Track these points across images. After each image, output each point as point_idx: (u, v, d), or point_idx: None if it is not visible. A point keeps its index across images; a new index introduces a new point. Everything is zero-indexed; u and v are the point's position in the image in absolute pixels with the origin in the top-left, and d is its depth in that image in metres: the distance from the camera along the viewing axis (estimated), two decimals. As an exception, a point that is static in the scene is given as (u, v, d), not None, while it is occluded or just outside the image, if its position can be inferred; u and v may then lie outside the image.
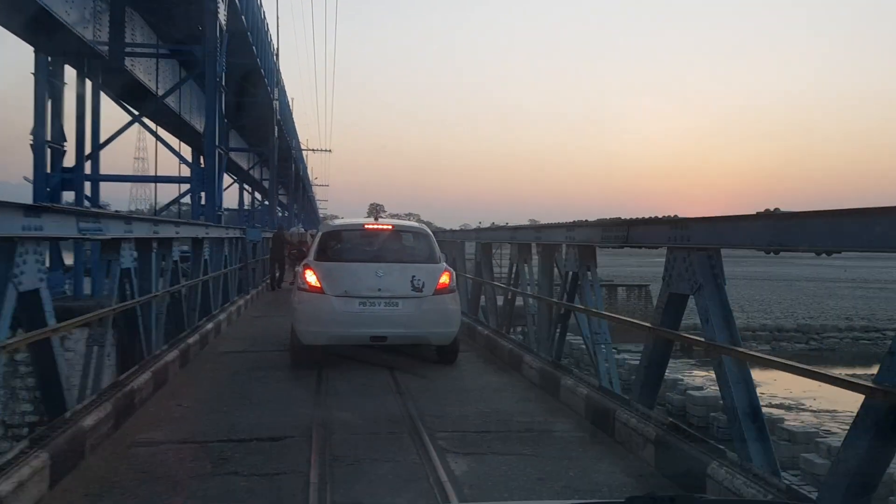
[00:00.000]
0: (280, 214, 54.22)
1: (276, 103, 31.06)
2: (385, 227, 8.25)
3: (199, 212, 31.90)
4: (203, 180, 14.60)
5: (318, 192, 77.99)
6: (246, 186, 43.73)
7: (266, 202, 45.81)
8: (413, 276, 7.43)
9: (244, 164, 33.07)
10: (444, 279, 7.66)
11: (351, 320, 7.29)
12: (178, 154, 15.29)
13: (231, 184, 33.10)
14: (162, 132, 17.71)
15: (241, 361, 8.09)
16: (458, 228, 18.66)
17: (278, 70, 31.18)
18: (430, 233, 8.46)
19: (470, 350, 9.17)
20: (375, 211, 13.84)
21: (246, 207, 43.70)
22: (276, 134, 31.12)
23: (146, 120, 16.44)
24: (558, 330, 7.14)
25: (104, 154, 14.77)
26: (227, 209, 43.45)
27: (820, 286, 52.05)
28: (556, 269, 7.65)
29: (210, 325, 9.20)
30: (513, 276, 8.96)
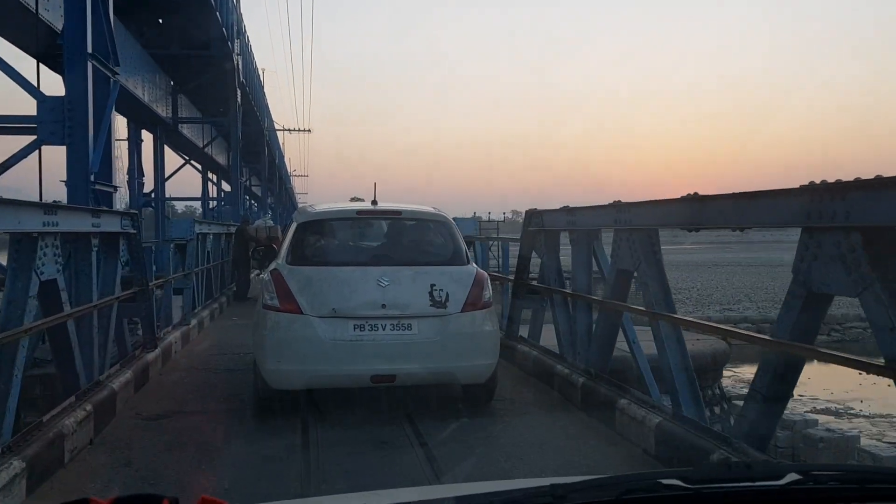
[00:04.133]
0: (249, 205, 47.21)
1: (237, 59, 23.92)
2: (389, 212, 5.91)
3: (140, 202, 24.55)
4: (64, 120, 7.42)
5: (297, 185, 70.55)
6: (213, 178, 36.64)
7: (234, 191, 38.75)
8: (432, 285, 5.24)
9: (200, 141, 25.69)
10: (478, 288, 5.40)
11: (342, 353, 5.10)
12: (13, 74, 8.04)
13: (183, 164, 25.74)
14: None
15: None
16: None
17: (239, 14, 24.03)
18: (452, 220, 5.96)
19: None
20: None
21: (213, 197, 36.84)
22: (238, 98, 23.91)
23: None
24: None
25: None
26: (182, 199, 36.27)
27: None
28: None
29: None
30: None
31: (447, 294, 5.23)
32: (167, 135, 24.65)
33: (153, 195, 24.11)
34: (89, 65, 7.51)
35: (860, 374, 3.13)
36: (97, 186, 7.59)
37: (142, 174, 24.37)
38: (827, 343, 24.88)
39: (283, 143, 51.26)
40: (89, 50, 7.51)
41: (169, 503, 0.99)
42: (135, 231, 6.39)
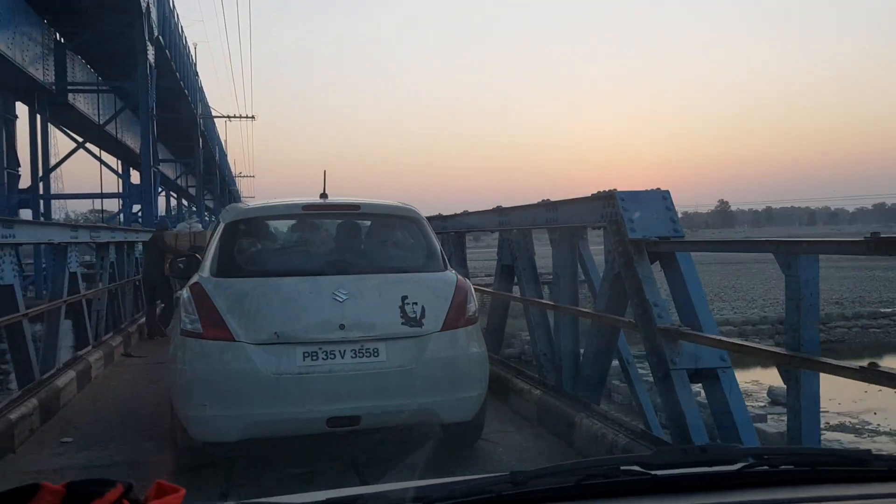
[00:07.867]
0: (188, 210, 40.26)
1: (146, 1, 17.25)
2: (344, 207, 4.88)
3: (13, 200, 18.34)
4: None
5: (244, 188, 63.13)
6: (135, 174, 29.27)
7: (164, 186, 31.75)
8: (404, 298, 4.23)
9: (99, 117, 18.87)
10: (461, 299, 4.42)
11: (289, 390, 4.01)
12: None
13: (75, 149, 18.87)
14: None
15: None
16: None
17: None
18: (423, 217, 4.88)
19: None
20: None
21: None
22: (150, 57, 17.23)
23: None
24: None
25: None
26: (72, 196, 27.80)
27: (776, 268, 49.32)
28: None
29: None
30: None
31: (423, 308, 4.22)
32: (52, 108, 17.89)
33: (32, 192, 17.31)
34: None
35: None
36: None
37: (16, 163, 17.57)
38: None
39: (226, 142, 44.01)
40: None
41: (123, 487, 0.93)
42: None
